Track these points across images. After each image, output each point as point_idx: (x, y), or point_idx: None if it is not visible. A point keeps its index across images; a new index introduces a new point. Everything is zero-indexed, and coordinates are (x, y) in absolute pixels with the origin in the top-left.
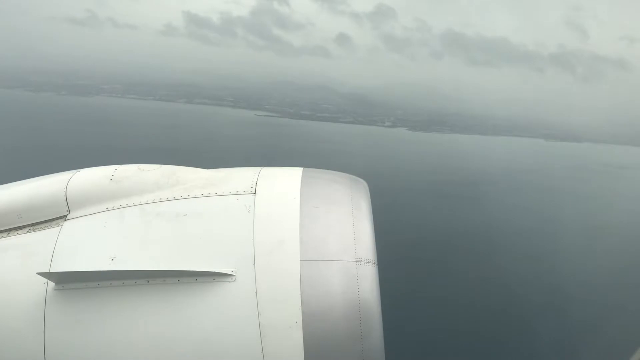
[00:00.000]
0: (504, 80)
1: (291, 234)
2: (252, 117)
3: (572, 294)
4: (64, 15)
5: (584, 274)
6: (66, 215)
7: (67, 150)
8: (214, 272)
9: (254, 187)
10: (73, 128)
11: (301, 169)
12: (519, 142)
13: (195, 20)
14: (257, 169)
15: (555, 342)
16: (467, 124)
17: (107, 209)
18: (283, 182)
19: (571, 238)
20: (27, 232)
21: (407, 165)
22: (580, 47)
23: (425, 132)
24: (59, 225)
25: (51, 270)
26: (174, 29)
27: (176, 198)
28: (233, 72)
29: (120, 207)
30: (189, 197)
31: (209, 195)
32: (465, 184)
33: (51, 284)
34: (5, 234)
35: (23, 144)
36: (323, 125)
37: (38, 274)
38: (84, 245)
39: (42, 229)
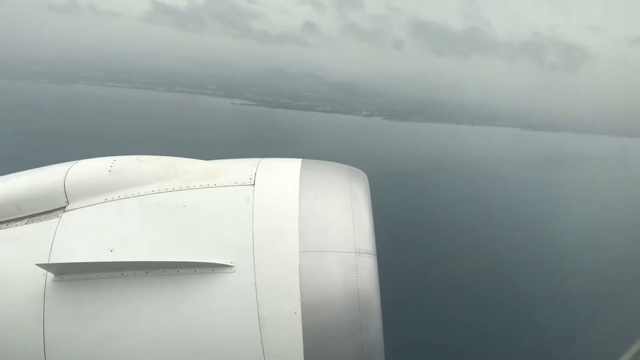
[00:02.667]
0: (479, 69)
1: (290, 225)
2: (228, 105)
3: (548, 282)
4: (44, 2)
5: (560, 263)
6: (65, 207)
7: (37, 140)
8: (213, 264)
9: (253, 179)
10: (46, 117)
11: (300, 160)
12: (496, 131)
13: (163, 8)
14: (256, 160)
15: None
16: (446, 113)
17: (106, 200)
18: (282, 174)
19: (545, 227)
20: (26, 223)
21: (371, 153)
22: (551, 36)
23: (401, 121)
24: (57, 216)
25: (50, 262)
26: (155, 16)
27: (175, 189)
28: (220, 60)
29: (119, 198)
30: (187, 188)
31: (208, 186)
32: (425, 173)
33: (50, 275)
34: (4, 226)
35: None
36: (299, 114)
37: (37, 265)
38: (83, 237)
39: (40, 220)
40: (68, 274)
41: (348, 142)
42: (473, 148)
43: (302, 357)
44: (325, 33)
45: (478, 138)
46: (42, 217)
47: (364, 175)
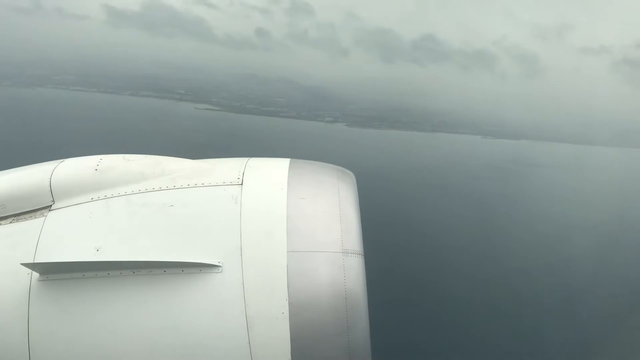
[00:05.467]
0: (438, 77)
1: (278, 225)
2: (191, 110)
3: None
4: (8, 3)
5: (526, 269)
6: (51, 206)
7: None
8: (201, 263)
9: (240, 178)
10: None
11: (288, 159)
12: (457, 138)
13: (116, 12)
14: (244, 159)
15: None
16: (411, 120)
17: (92, 200)
18: (270, 173)
19: (507, 234)
20: (11, 222)
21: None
22: (504, 45)
23: (362, 128)
24: (43, 215)
25: (35, 261)
26: (123, 19)
27: (162, 188)
28: (193, 64)
29: (106, 197)
30: (175, 187)
31: (196, 185)
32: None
33: (35, 274)
34: None
35: None
36: (260, 119)
37: (22, 264)
38: (69, 236)
39: (26, 219)
40: (53, 273)
41: (301, 148)
42: (434, 155)
43: (290, 357)
44: (286, 39)
45: (439, 145)
46: (27, 216)
47: (352, 175)
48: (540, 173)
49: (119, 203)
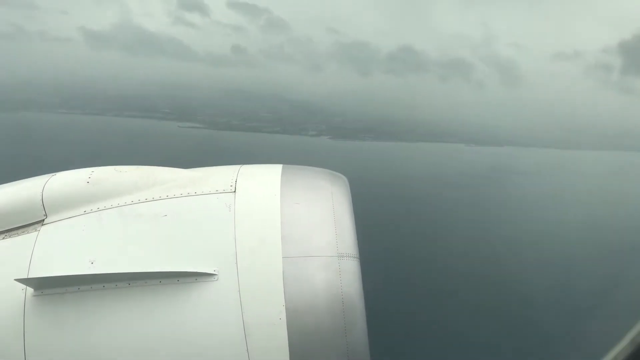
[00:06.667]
0: (417, 87)
1: (273, 232)
2: (174, 129)
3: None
4: None
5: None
6: (43, 220)
7: None
8: (196, 272)
9: (233, 186)
10: None
11: (281, 165)
12: (439, 147)
13: (97, 35)
14: (237, 167)
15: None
16: (396, 131)
17: (85, 212)
18: (263, 180)
19: (491, 242)
20: (3, 238)
21: None
22: (479, 53)
23: (347, 140)
24: (36, 230)
25: (29, 276)
26: (107, 40)
27: (155, 199)
28: (178, 83)
29: (99, 209)
30: (168, 197)
31: (189, 195)
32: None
33: (30, 289)
34: None
35: None
36: (245, 135)
37: (16, 280)
38: (63, 250)
39: (18, 234)
40: (48, 288)
41: (287, 162)
42: (419, 165)
43: None
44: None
45: (423, 155)
46: (19, 231)
47: (345, 179)
48: (526, 179)
49: (112, 215)
